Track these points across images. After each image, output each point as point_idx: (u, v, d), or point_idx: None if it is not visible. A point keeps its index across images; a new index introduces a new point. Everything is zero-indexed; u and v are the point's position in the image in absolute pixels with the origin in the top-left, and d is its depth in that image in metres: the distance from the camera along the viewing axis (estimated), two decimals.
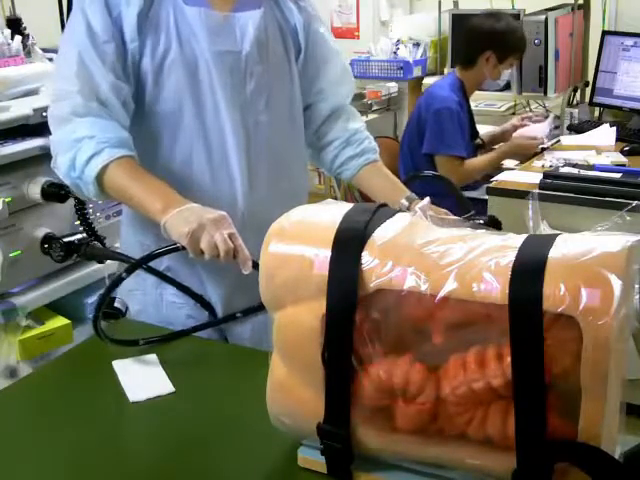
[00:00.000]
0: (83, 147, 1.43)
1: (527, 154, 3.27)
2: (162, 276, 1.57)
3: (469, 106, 3.33)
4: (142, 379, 1.36)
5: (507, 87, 3.83)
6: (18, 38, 2.51)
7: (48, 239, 2.12)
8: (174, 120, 1.52)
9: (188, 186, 1.52)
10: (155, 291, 1.64)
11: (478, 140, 3.44)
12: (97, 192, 1.46)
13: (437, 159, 3.18)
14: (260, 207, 1.56)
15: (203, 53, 1.51)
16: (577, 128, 3.57)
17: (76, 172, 1.44)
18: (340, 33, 4.59)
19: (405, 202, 1.65)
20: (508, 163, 3.33)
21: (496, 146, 3.48)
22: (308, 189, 1.77)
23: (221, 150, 1.54)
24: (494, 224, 1.62)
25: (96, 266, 2.28)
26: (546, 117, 3.45)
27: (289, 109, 1.65)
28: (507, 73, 3.36)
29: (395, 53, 4.20)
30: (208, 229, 1.34)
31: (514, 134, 3.33)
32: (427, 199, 1.07)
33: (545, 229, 1.03)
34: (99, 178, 1.44)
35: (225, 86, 1.52)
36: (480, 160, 3.28)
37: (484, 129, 3.54)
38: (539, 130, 3.29)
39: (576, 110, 3.72)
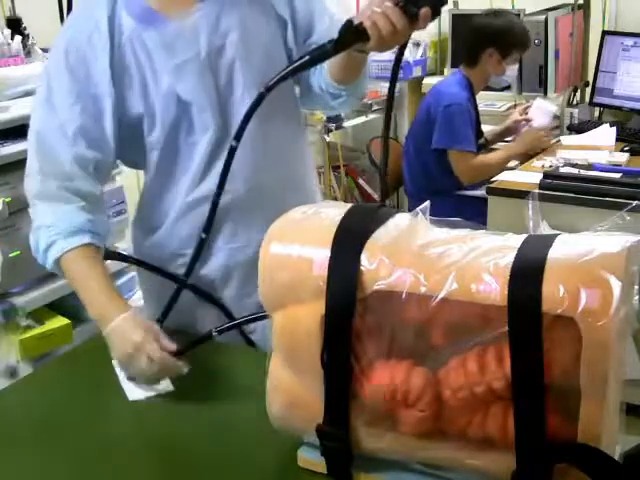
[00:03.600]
0: (41, 236, 1.43)
1: (541, 147, 3.25)
2: (173, 278, 1.56)
3: (476, 104, 3.33)
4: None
5: (507, 87, 3.83)
6: (18, 38, 2.52)
7: None
8: (171, 145, 1.50)
9: (187, 192, 1.53)
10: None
11: (482, 139, 3.44)
12: (64, 277, 1.46)
13: (450, 154, 3.17)
14: (258, 193, 1.54)
15: (171, 70, 1.46)
16: (577, 128, 3.56)
17: (40, 258, 1.45)
18: None
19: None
20: (508, 163, 3.33)
21: (501, 144, 3.47)
22: (314, 170, 1.73)
23: (214, 154, 1.51)
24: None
25: None
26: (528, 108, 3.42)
27: (276, 91, 1.51)
28: (514, 69, 3.34)
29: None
30: (136, 361, 1.32)
31: (523, 130, 3.33)
32: (427, 203, 1.07)
33: (545, 229, 1.03)
34: (58, 268, 1.44)
35: (198, 92, 1.48)
36: (491, 157, 3.27)
37: (485, 129, 3.53)
38: (540, 119, 3.30)
39: (576, 110, 3.71)
